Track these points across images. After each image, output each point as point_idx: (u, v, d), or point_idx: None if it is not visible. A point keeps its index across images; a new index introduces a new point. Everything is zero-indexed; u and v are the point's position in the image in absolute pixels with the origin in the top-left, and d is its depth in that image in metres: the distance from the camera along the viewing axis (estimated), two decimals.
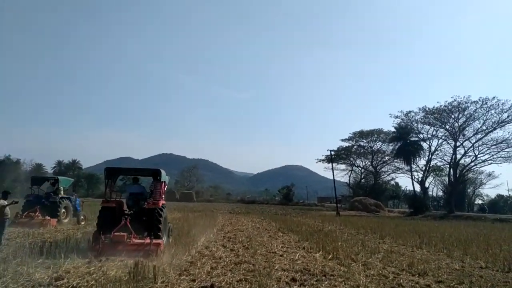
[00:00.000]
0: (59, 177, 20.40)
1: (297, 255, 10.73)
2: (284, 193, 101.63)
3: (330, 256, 10.62)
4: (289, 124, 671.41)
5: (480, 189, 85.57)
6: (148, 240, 9.73)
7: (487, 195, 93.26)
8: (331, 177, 54.62)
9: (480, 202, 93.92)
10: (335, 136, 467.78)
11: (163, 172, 11.92)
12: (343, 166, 79.08)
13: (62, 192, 19.57)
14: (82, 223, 18.92)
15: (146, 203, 11.24)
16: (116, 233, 9.75)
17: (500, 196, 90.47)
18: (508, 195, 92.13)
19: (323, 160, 77.29)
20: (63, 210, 18.85)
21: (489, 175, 70.60)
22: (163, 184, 12.05)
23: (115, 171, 12.32)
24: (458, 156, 50.68)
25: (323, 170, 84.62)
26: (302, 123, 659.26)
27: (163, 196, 11.98)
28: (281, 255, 10.68)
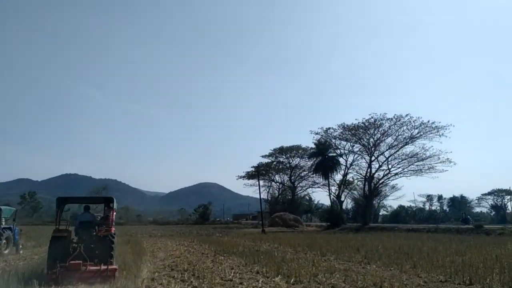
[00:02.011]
0: (1, 207, 18.97)
1: (259, 282, 9.90)
2: (200, 212, 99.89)
3: (292, 280, 9.97)
4: (202, 141, 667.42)
5: (384, 201, 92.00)
6: (104, 267, 9.77)
7: (390, 206, 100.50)
8: (246, 194, 54.67)
9: (384, 212, 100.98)
10: (252, 152, 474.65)
11: (115, 200, 12.46)
12: (261, 182, 79.69)
13: (3, 222, 18.42)
14: (21, 252, 18.44)
15: (97, 230, 11.34)
16: (72, 262, 9.75)
17: (401, 207, 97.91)
18: (409, 205, 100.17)
19: (243, 176, 77.37)
20: (4, 241, 17.60)
21: (393, 187, 75.74)
22: (114, 211, 12.33)
23: (67, 200, 12.62)
24: (373, 170, 53.73)
25: (243, 187, 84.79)
26: (216, 140, 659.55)
27: (113, 223, 12.18)
28: (240, 283, 9.77)
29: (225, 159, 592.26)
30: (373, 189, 54.20)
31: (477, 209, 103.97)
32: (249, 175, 78.29)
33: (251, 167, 76.80)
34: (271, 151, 75.99)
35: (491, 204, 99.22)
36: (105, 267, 9.76)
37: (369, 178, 53.52)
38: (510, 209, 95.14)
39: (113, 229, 11.69)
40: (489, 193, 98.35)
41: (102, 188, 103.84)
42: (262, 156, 76.68)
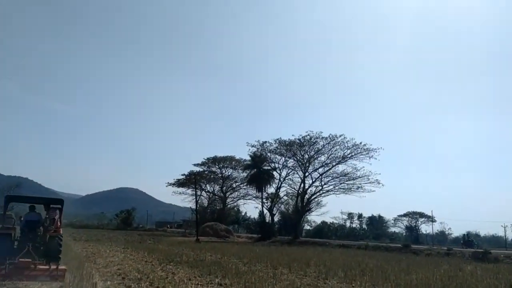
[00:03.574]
0: None
1: None
2: (122, 217, 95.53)
3: None
4: (126, 145, 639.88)
5: (308, 216, 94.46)
6: (54, 266, 9.64)
7: (314, 221, 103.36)
8: (169, 201, 53.47)
9: (308, 227, 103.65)
10: (180, 160, 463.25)
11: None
12: (191, 191, 77.97)
13: None
14: None
15: (42, 230, 11.51)
16: (21, 259, 9.60)
17: (324, 223, 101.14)
18: (331, 222, 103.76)
19: (173, 184, 75.24)
20: None
21: (318, 203, 78.08)
22: (62, 212, 12.58)
23: (15, 198, 13.40)
24: (306, 186, 54.70)
25: (171, 194, 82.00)
26: (140, 146, 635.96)
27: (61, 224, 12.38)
28: None
29: (148, 165, 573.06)
30: (305, 204, 55.23)
31: (393, 229, 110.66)
32: (180, 183, 76.38)
33: (182, 174, 75.06)
34: (204, 160, 74.84)
35: (406, 225, 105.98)
36: (55, 266, 9.61)
37: (302, 193, 54.51)
38: (422, 231, 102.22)
39: (61, 230, 12.04)
40: (405, 215, 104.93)
41: (15, 185, 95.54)
42: (195, 165, 75.22)
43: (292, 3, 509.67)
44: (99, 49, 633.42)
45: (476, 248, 43.22)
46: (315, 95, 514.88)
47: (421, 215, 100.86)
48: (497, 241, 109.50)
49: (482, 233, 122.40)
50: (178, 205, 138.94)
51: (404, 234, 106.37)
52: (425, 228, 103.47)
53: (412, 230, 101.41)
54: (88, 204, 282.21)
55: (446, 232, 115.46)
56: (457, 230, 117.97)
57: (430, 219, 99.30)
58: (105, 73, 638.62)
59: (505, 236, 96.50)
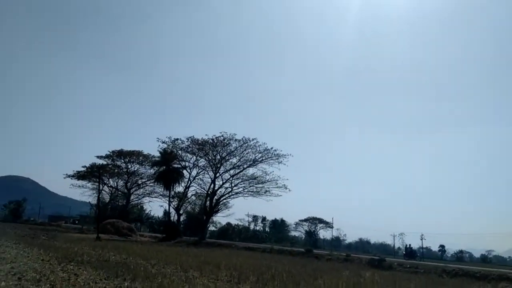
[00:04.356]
0: None
1: None
2: (11, 208, 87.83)
3: None
4: (18, 129, 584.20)
5: (213, 217, 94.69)
6: None
7: (219, 223, 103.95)
8: (65, 194, 50.01)
9: (213, 228, 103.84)
10: (80, 152, 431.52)
11: None
12: (91, 185, 73.61)
13: None
14: None
15: None
16: None
17: (229, 225, 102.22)
18: (236, 224, 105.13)
19: (72, 176, 70.17)
20: None
21: (224, 204, 78.60)
22: None
23: None
24: (216, 186, 54.49)
25: (69, 187, 76.19)
26: (36, 132, 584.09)
27: None
28: None
29: (44, 153, 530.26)
30: (214, 205, 55.01)
31: (293, 233, 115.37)
32: (80, 175, 71.55)
33: (83, 166, 70.32)
34: (109, 153, 71.01)
35: (306, 230, 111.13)
36: None
37: (211, 194, 54.25)
38: (320, 236, 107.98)
39: None
40: (305, 220, 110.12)
41: None
42: (98, 157, 70.96)
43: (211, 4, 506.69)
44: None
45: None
46: (230, 96, 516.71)
47: (320, 221, 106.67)
48: (385, 248, 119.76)
49: (372, 241, 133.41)
50: (75, 199, 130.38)
51: (304, 238, 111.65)
52: (323, 234, 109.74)
53: (311, 235, 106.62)
54: None
55: (341, 238, 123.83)
56: (350, 237, 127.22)
57: (329, 225, 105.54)
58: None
59: (394, 244, 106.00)
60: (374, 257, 32.05)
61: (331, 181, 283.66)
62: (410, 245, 62.44)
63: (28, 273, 11.20)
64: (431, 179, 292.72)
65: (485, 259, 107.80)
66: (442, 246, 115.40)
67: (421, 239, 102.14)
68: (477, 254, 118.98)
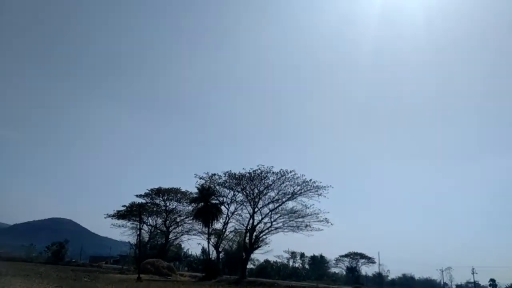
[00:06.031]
0: None
1: None
2: (54, 250, 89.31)
3: None
4: (61, 173, 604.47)
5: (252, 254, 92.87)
6: None
7: (257, 260, 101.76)
8: (105, 235, 50.04)
9: (251, 266, 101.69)
10: (119, 192, 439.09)
11: None
12: (131, 224, 74.02)
13: None
14: None
15: None
16: None
17: (267, 262, 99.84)
18: (274, 261, 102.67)
19: (113, 216, 71.01)
20: None
21: (263, 241, 76.98)
22: None
23: None
24: (255, 222, 53.49)
25: (110, 227, 76.81)
26: (76, 174, 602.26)
27: None
28: None
29: (84, 195, 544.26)
30: (254, 242, 53.81)
31: (334, 270, 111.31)
32: (120, 215, 72.23)
33: (123, 206, 71.01)
34: (148, 191, 71.57)
35: (347, 266, 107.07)
36: None
37: (250, 230, 53.23)
38: (363, 272, 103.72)
39: None
40: (346, 255, 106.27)
41: None
42: (137, 196, 71.63)
43: (235, 30, 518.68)
44: (42, 76, 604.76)
45: None
46: (266, 128, 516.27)
47: (362, 256, 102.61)
48: (431, 284, 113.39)
49: (416, 276, 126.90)
50: (114, 239, 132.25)
51: (344, 274, 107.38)
52: (365, 270, 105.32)
53: (353, 271, 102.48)
54: (17, 235, 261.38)
55: (384, 274, 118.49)
56: (393, 272, 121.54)
57: (371, 260, 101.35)
58: (47, 99, 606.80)
59: (442, 280, 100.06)
60: None
61: (371, 214, 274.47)
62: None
63: None
64: (475, 207, 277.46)
65: None
66: (492, 280, 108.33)
67: (473, 273, 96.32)
68: None
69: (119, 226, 74.52)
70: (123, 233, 76.88)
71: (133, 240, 72.22)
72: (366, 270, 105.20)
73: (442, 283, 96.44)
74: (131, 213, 69.05)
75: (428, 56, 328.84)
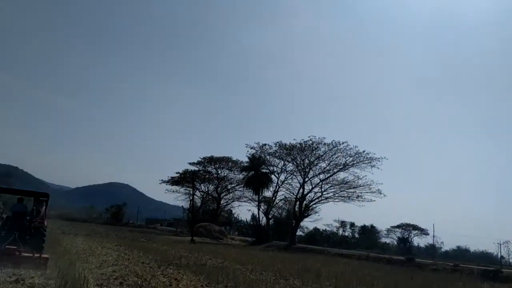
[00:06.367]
0: None
1: None
2: (113, 212, 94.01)
3: None
4: (119, 140, 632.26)
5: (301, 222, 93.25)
6: (37, 254, 10.38)
7: (307, 227, 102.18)
8: (160, 199, 51.66)
9: (300, 233, 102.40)
10: (172, 159, 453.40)
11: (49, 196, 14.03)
12: (184, 190, 76.39)
13: None
14: None
15: (29, 221, 12.46)
16: (7, 246, 10.40)
17: (316, 230, 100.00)
18: (323, 229, 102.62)
19: (167, 181, 73.59)
20: None
21: (313, 209, 76.80)
22: (47, 205, 13.66)
23: (5, 190, 16.28)
24: (305, 191, 53.41)
25: (164, 192, 79.91)
26: (134, 142, 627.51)
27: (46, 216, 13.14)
28: None
29: (140, 162, 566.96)
30: (303, 210, 53.86)
31: (385, 240, 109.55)
32: (174, 181, 74.65)
33: (176, 172, 73.27)
34: (200, 159, 73.26)
35: (398, 236, 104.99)
36: (38, 255, 10.38)
37: (300, 199, 53.22)
38: (415, 243, 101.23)
39: (45, 221, 12.89)
40: (398, 226, 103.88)
41: (6, 175, 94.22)
42: (190, 163, 73.50)
43: (295, 7, 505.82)
44: (99, 47, 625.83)
45: None
46: (320, 100, 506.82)
47: (415, 227, 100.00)
48: (487, 257, 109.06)
49: (471, 249, 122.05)
50: (168, 203, 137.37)
51: (396, 244, 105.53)
52: (417, 241, 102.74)
53: (405, 242, 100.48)
54: (78, 197, 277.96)
55: (437, 246, 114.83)
56: (448, 244, 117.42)
57: (424, 232, 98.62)
58: (105, 71, 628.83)
59: (499, 253, 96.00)
60: (489, 268, 28.56)
61: (427, 186, 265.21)
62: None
63: (129, 277, 11.03)
64: None
65: None
66: None
67: None
68: None
69: (173, 191, 77.00)
70: (176, 198, 79.52)
71: (186, 204, 74.50)
72: (419, 241, 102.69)
73: (500, 256, 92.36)
74: (184, 179, 71.03)
75: None
